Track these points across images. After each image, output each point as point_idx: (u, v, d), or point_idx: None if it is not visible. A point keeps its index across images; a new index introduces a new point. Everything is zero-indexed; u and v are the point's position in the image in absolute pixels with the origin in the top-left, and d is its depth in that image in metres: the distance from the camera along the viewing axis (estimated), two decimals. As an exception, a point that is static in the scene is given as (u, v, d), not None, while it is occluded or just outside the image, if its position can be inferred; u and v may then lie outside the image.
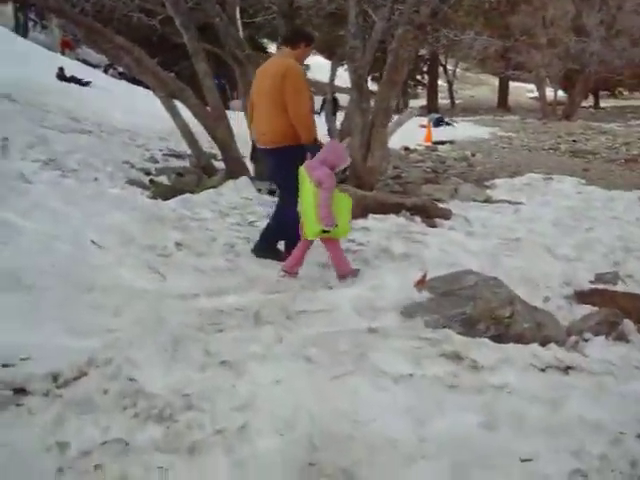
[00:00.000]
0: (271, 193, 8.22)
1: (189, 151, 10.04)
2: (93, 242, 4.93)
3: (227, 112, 9.50)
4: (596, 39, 34.01)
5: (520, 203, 9.73)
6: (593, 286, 5.67)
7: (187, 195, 7.15)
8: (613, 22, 35.30)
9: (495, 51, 34.63)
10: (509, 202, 9.78)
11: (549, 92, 42.33)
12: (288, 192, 5.14)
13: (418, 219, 7.45)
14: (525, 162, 16.89)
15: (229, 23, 8.72)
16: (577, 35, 35.36)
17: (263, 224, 6.58)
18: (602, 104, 53.71)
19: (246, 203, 7.40)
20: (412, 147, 19.02)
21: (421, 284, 4.95)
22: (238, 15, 9.10)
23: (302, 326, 3.73)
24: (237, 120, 9.78)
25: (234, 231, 6.13)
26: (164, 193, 7.58)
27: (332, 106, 12.75)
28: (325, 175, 4.62)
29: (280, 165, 5.23)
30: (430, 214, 7.67)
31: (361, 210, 7.50)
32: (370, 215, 7.38)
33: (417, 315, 4.04)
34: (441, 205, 9.03)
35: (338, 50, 41.09)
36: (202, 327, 3.67)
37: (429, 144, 20.51)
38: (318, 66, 42.10)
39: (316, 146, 5.03)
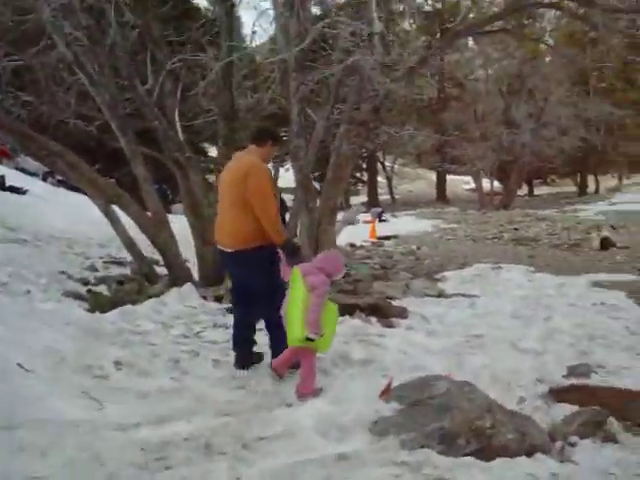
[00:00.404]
0: (217, 300, 7.80)
1: (130, 258, 9.60)
2: (20, 366, 4.39)
3: (170, 216, 9.17)
4: (526, 130, 35.31)
5: (474, 296, 9.50)
6: (568, 380, 5.37)
7: (128, 306, 6.63)
8: (541, 114, 36.85)
9: (431, 146, 35.55)
10: (463, 295, 9.56)
11: (485, 183, 43.47)
12: (268, 294, 4.87)
13: (374, 320, 7.11)
14: (471, 252, 16.89)
15: (168, 127, 8.50)
16: (508, 128, 36.68)
17: (210, 334, 6.17)
18: (536, 192, 55.60)
19: (191, 312, 6.95)
20: (358, 244, 18.91)
21: (386, 393, 4.59)
22: (177, 118, 8.88)
23: (261, 457, 3.27)
24: (180, 224, 9.44)
25: (179, 344, 5.65)
26: (103, 305, 7.07)
27: (280, 208, 12.54)
28: (320, 281, 4.46)
29: (252, 269, 4.88)
30: (386, 313, 7.35)
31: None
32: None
33: (389, 433, 3.63)
34: (395, 303, 8.77)
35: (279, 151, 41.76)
36: (145, 464, 3.17)
37: (374, 240, 20.43)
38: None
39: (291, 246, 4.86)
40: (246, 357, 5.17)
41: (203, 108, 9.60)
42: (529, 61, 37.98)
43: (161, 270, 9.55)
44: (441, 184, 50.27)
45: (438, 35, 30.86)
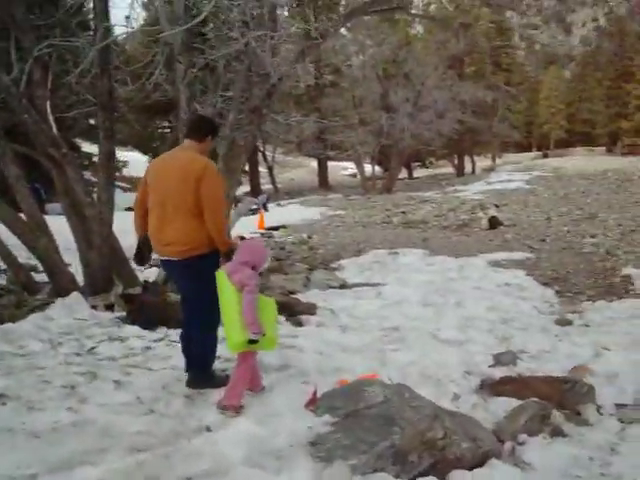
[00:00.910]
0: (109, 308, 7.10)
1: (4, 266, 8.66)
2: None
3: (46, 217, 8.28)
4: (404, 115, 35.81)
5: (378, 284, 9.27)
6: (496, 370, 5.17)
7: (7, 325, 5.79)
8: (418, 98, 37.49)
9: (312, 133, 35.32)
10: (367, 285, 9.29)
11: (366, 168, 43.84)
12: (207, 307, 4.38)
13: (282, 319, 6.66)
14: (363, 238, 16.76)
15: (40, 120, 7.63)
16: (386, 112, 37.06)
17: (106, 350, 5.51)
18: (415, 174, 56.87)
19: (81, 325, 6.19)
20: (247, 236, 18.32)
21: (313, 403, 4.19)
22: (49, 110, 8.02)
23: (191, 505, 2.74)
24: (58, 226, 8.56)
25: (72, 365, 4.94)
26: (-25, 325, 6.21)
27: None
28: (247, 277, 4.08)
29: (193, 278, 4.41)
30: (293, 311, 6.95)
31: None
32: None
33: (335, 456, 3.18)
34: (298, 297, 8.39)
35: (158, 144, 40.11)
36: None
37: (263, 231, 19.89)
38: (135, 161, 40.99)
39: (232, 254, 4.35)
40: (200, 378, 4.60)
41: (78, 98, 8.74)
42: (404, 46, 38.57)
43: (40, 277, 8.66)
44: (323, 171, 50.28)
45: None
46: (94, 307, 6.97)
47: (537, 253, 12.67)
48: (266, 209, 27.47)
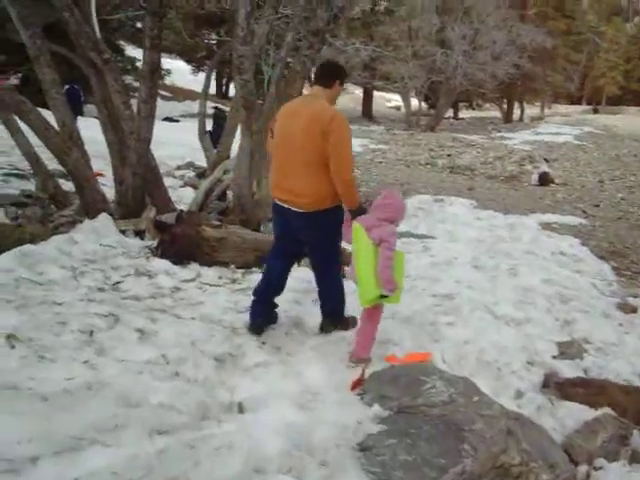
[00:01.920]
0: (138, 235, 6.59)
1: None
2: None
3: (83, 120, 7.69)
4: (459, 52, 34.36)
5: (425, 237, 8.65)
6: (561, 364, 4.60)
7: (27, 247, 5.25)
8: (475, 36, 35.88)
9: (362, 61, 34.03)
10: (413, 235, 8.67)
11: (412, 103, 42.54)
12: (331, 259, 4.56)
13: (325, 268, 6.11)
14: (407, 179, 16.08)
15: (83, 20, 6.97)
16: (441, 48, 35.58)
17: (132, 286, 5.01)
18: (461, 115, 55.27)
19: (108, 253, 5.67)
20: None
21: (359, 384, 3.73)
22: (94, 11, 7.35)
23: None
24: (96, 130, 7.92)
25: (93, 303, 4.44)
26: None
27: (220, 124, 11.06)
28: (388, 233, 4.01)
29: (322, 231, 4.38)
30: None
31: (255, 257, 6.07)
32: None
33: (394, 477, 2.65)
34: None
35: (203, 55, 39.12)
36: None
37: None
38: (178, 70, 40.11)
39: (360, 211, 4.22)
40: (267, 319, 4.64)
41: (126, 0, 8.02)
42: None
43: (71, 186, 8.13)
44: (368, 101, 48.96)
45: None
46: (123, 232, 6.46)
47: (591, 220, 11.91)
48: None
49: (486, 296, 5.84)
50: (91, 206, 6.82)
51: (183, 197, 10.20)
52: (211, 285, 5.36)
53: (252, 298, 4.61)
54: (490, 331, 4.94)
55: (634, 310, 6.42)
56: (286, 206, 4.32)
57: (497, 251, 8.13)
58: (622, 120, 48.27)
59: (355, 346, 4.18)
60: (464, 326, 4.99)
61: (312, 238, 4.44)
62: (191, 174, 13.34)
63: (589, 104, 78.15)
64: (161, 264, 5.60)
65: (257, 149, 7.15)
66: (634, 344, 5.28)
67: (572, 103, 76.21)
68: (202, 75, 43.83)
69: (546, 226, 10.72)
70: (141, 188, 7.30)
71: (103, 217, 6.42)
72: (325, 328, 4.65)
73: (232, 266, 5.91)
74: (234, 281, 5.60)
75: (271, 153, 4.53)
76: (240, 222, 7.11)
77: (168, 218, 6.69)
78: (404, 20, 38.02)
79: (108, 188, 8.16)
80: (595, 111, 68.83)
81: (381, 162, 20.19)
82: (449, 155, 22.03)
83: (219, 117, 12.76)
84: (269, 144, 4.60)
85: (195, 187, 11.47)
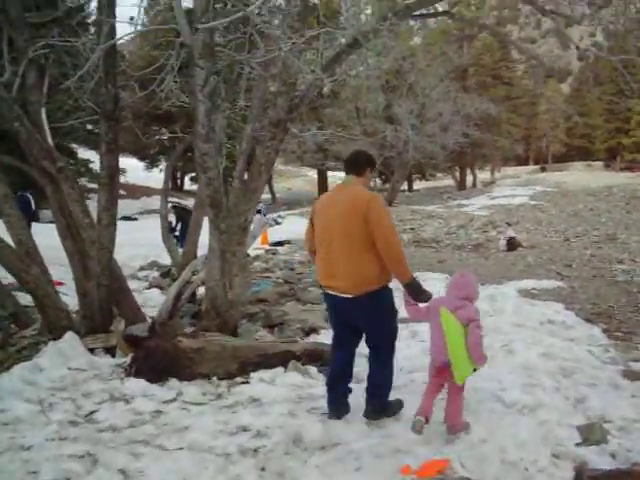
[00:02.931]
0: (109, 352, 6.11)
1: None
2: None
3: (39, 225, 7.25)
4: (408, 127, 34.98)
5: (409, 321, 8.27)
6: (586, 451, 4.21)
7: (-13, 379, 4.77)
8: (422, 110, 36.66)
9: (314, 144, 34.35)
10: (399, 320, 8.26)
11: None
12: (386, 342, 4.63)
13: (314, 370, 5.70)
14: (375, 259, 15.79)
15: (33, 129, 6.66)
16: (390, 124, 36.19)
17: (108, 415, 4.52)
18: (415, 187, 56.15)
19: (77, 378, 5.17)
20: (252, 253, 17.29)
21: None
22: (45, 118, 7.05)
23: None
24: (53, 237, 7.46)
25: (67, 441, 3.95)
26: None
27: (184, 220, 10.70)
28: (474, 312, 4.33)
29: (372, 314, 4.46)
30: (325, 359, 5.91)
31: (238, 366, 5.63)
32: (251, 373, 5.53)
33: None
34: (322, 335, 7.46)
35: (156, 151, 39.12)
36: None
37: (267, 247, 18.81)
38: (132, 168, 40.06)
39: (417, 284, 4.41)
40: (344, 403, 4.72)
41: (78, 105, 7.74)
42: (407, 57, 37.71)
43: (29, 298, 7.57)
44: (323, 182, 49.41)
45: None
46: (92, 350, 5.98)
47: (568, 281, 11.72)
48: (277, 222, 26.58)
49: (491, 383, 5.46)
50: (54, 324, 6.34)
51: (149, 299, 9.78)
52: (195, 404, 4.89)
53: (325, 388, 4.73)
54: (505, 424, 4.54)
55: (640, 378, 6.11)
56: (334, 293, 4.44)
57: (486, 327, 7.75)
58: (570, 176, 49.58)
59: (448, 418, 4.39)
60: (476, 421, 4.58)
61: (363, 322, 4.52)
62: (155, 274, 12.92)
63: (536, 163, 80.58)
64: (137, 384, 5.13)
65: (227, 248, 6.79)
66: (655, 417, 4.94)
67: (519, 164, 78.38)
68: (156, 170, 44.02)
69: (526, 293, 10.48)
70: (107, 299, 6.87)
71: (69, 336, 5.94)
72: (371, 415, 4.61)
73: (214, 378, 5.44)
74: (219, 397, 5.12)
75: (310, 243, 4.73)
76: (216, 327, 6.68)
77: (139, 329, 6.23)
78: (350, 101, 38.72)
79: (70, 298, 7.71)
80: (542, 170, 70.92)
81: (345, 242, 19.93)
82: (412, 229, 21.99)
83: (181, 213, 12.47)
84: (309, 235, 4.76)
85: (161, 287, 11.03)
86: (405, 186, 52.38)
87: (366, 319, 4.48)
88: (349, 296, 4.33)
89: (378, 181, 45.49)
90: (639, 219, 22.63)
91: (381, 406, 4.65)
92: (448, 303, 4.31)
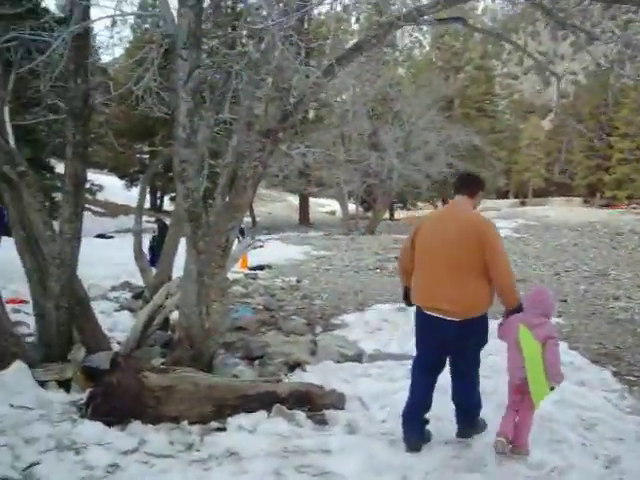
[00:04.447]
0: (63, 386, 5.25)
1: None
2: None
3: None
4: (393, 155, 34.55)
5: (404, 357, 7.51)
6: None
7: None
8: (408, 138, 36.32)
9: (296, 168, 33.69)
10: (391, 357, 7.54)
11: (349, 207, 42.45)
12: (475, 366, 4.67)
13: (302, 416, 4.89)
14: (360, 287, 15.11)
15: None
16: (375, 151, 35.74)
17: (50, 469, 3.66)
18: (396, 216, 55.80)
19: (20, 419, 4.28)
20: (230, 277, 16.41)
21: None
22: (7, 117, 6.28)
23: None
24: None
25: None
26: None
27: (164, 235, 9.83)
28: (552, 329, 4.39)
29: (473, 338, 4.51)
30: (316, 405, 5.12)
31: (213, 408, 4.81)
32: (229, 418, 4.72)
33: None
34: (308, 370, 6.69)
35: (136, 169, 38.46)
36: None
37: (246, 271, 17.97)
38: (111, 186, 39.17)
39: (520, 309, 4.42)
40: (422, 433, 4.63)
41: (45, 104, 6.96)
42: (394, 85, 37.42)
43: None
44: (304, 207, 48.79)
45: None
46: (43, 384, 5.12)
47: (566, 318, 11.03)
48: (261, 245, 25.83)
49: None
50: (1, 351, 5.47)
51: (119, 323, 9.01)
52: (160, 457, 4.03)
53: (401, 419, 4.63)
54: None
55: (668, 429, 5.40)
56: (437, 315, 4.40)
57: (490, 369, 7.05)
58: (551, 211, 49.38)
59: (516, 439, 4.36)
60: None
61: (462, 346, 4.49)
62: (127, 295, 12.09)
63: (516, 197, 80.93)
64: (92, 429, 4.28)
65: (205, 270, 5.99)
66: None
67: (499, 197, 78.57)
68: (136, 190, 43.09)
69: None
70: (67, 323, 6.05)
71: (16, 366, 5.08)
72: (465, 433, 4.68)
73: (184, 422, 4.59)
74: (190, 447, 4.24)
75: (406, 263, 4.72)
76: (190, 358, 5.86)
77: (100, 360, 5.39)
78: (336, 126, 38.20)
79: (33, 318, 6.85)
80: (522, 203, 71.22)
81: (328, 269, 19.22)
82: (396, 258, 21.26)
83: (163, 229, 11.68)
84: (406, 254, 4.73)
85: (132, 310, 10.21)
86: (387, 215, 51.94)
87: (465, 343, 4.49)
88: (455, 319, 4.33)
89: (360, 208, 44.91)
90: (628, 256, 22.15)
91: (473, 424, 4.71)
92: (527, 321, 4.31)
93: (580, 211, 49.79)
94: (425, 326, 4.59)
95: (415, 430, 4.56)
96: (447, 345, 4.52)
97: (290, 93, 6.25)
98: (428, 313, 4.47)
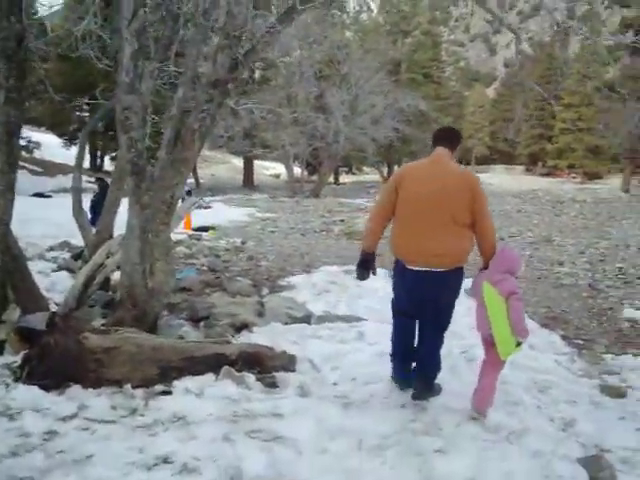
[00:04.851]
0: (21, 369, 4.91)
1: None
2: None
3: None
4: (339, 118, 34.26)
5: (354, 319, 7.36)
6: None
7: None
8: (355, 101, 36.04)
9: (242, 129, 33.04)
10: (340, 318, 7.38)
11: (294, 170, 42.11)
12: (447, 318, 4.62)
13: (251, 379, 4.68)
14: (306, 249, 14.92)
15: None
16: (321, 114, 35.35)
17: None
18: (341, 180, 55.70)
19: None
20: (173, 237, 15.97)
21: None
22: None
23: None
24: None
25: None
26: None
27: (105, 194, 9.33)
28: (514, 285, 4.32)
29: (450, 289, 4.50)
30: (266, 367, 4.92)
31: (158, 370, 4.56)
32: (174, 381, 4.48)
33: None
34: (255, 332, 6.50)
35: (75, 128, 37.22)
36: None
37: (190, 232, 17.55)
38: (49, 144, 37.83)
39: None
40: (409, 371, 4.74)
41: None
42: (342, 48, 37.00)
43: None
44: (249, 170, 48.16)
45: None
46: None
47: (513, 282, 11.11)
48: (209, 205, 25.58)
49: (464, 400, 4.56)
50: None
51: (57, 283, 8.60)
52: (101, 422, 3.77)
53: (390, 358, 4.78)
54: (493, 456, 3.66)
55: (621, 394, 5.42)
56: (425, 268, 4.35)
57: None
58: (493, 178, 50.11)
59: (478, 399, 4.34)
60: (457, 451, 3.68)
61: (441, 298, 4.47)
62: (66, 255, 11.60)
63: (459, 163, 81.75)
64: (28, 393, 3.99)
65: (149, 226, 5.68)
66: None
67: (443, 163, 79.43)
68: (75, 149, 41.69)
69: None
70: (1, 282, 5.67)
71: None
72: (421, 396, 4.57)
73: (127, 386, 4.33)
74: (133, 412, 3.98)
75: (385, 213, 4.57)
76: (132, 319, 5.56)
77: (37, 320, 5.06)
78: (283, 88, 37.62)
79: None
80: (465, 170, 72.02)
81: (273, 231, 18.97)
82: (342, 221, 21.19)
83: (105, 188, 11.21)
84: (384, 205, 4.58)
85: (71, 270, 9.78)
86: (332, 179, 51.79)
87: (446, 295, 4.47)
88: (443, 270, 4.32)
89: (305, 172, 44.62)
90: (571, 223, 22.55)
91: (429, 384, 4.62)
92: (491, 277, 4.33)
93: (523, 179, 50.68)
94: (405, 278, 4.55)
95: (405, 367, 4.69)
96: (426, 298, 4.47)
97: (240, 41, 5.92)
98: (416, 269, 4.39)
